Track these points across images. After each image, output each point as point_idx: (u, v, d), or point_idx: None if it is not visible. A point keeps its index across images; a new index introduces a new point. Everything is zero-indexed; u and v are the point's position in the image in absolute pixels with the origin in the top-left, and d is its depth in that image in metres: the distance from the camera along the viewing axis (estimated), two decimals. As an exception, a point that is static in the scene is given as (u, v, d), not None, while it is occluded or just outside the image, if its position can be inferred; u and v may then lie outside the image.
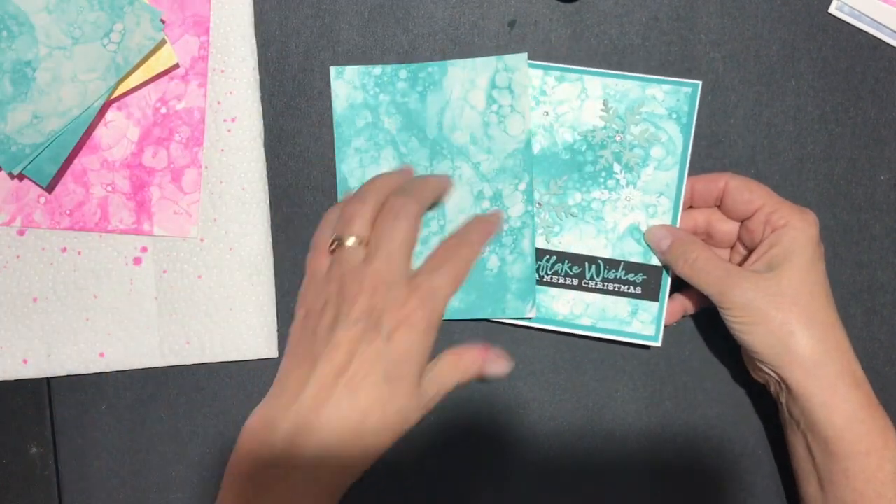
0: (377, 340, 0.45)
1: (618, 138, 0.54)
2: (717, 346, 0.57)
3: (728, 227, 0.54)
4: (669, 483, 0.58)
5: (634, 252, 0.54)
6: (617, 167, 0.54)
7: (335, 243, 0.48)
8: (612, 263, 0.54)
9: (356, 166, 0.55)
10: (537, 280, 0.55)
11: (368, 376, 0.44)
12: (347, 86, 0.55)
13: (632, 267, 0.54)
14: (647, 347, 0.57)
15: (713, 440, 0.58)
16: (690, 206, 0.55)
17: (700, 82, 0.54)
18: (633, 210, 0.54)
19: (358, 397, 0.44)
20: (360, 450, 0.44)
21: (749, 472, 0.58)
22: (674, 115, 0.54)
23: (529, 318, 0.55)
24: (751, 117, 0.57)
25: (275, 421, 0.44)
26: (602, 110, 0.54)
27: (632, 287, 0.54)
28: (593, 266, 0.55)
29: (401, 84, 0.55)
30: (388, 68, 0.55)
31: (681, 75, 0.57)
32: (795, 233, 0.50)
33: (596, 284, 0.55)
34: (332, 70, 0.55)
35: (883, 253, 0.58)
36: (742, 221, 0.53)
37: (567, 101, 0.55)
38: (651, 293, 0.54)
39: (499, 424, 0.58)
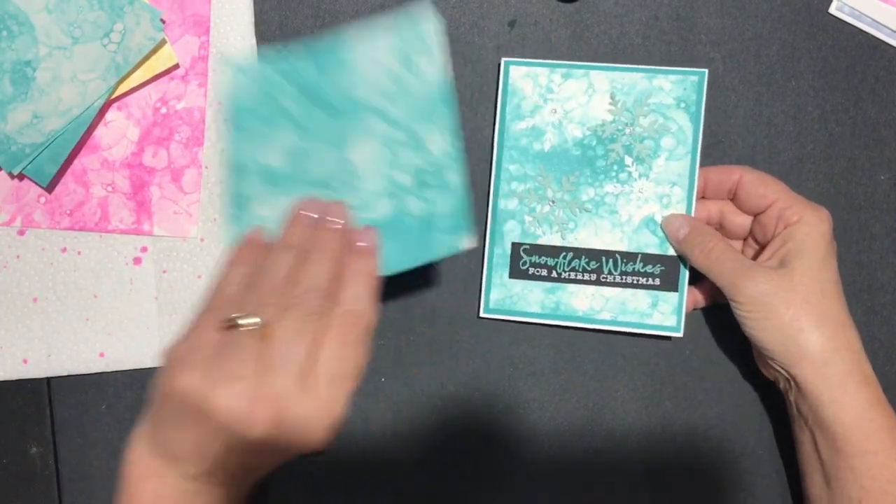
0: None
1: (627, 131, 0.54)
2: (717, 347, 0.57)
3: (741, 220, 0.54)
4: (669, 483, 0.58)
5: (651, 244, 0.54)
6: (628, 160, 0.54)
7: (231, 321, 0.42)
8: (629, 256, 0.54)
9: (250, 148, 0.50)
10: (556, 276, 0.55)
11: None
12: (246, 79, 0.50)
13: (649, 259, 0.54)
14: (668, 338, 0.57)
15: (713, 440, 0.58)
16: (703, 197, 0.55)
17: (706, 70, 0.54)
18: (647, 202, 0.54)
19: None
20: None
21: (749, 472, 0.58)
22: (682, 105, 0.54)
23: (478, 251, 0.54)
24: (751, 117, 0.57)
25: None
26: (610, 104, 0.54)
27: (650, 279, 0.54)
28: (610, 260, 0.55)
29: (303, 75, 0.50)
30: (288, 64, 0.50)
31: (681, 75, 0.57)
32: (808, 229, 0.50)
33: (614, 278, 0.55)
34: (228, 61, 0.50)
35: (883, 253, 0.58)
36: (755, 216, 0.53)
37: (574, 97, 0.55)
38: (670, 284, 0.54)
39: (499, 424, 0.58)
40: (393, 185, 0.51)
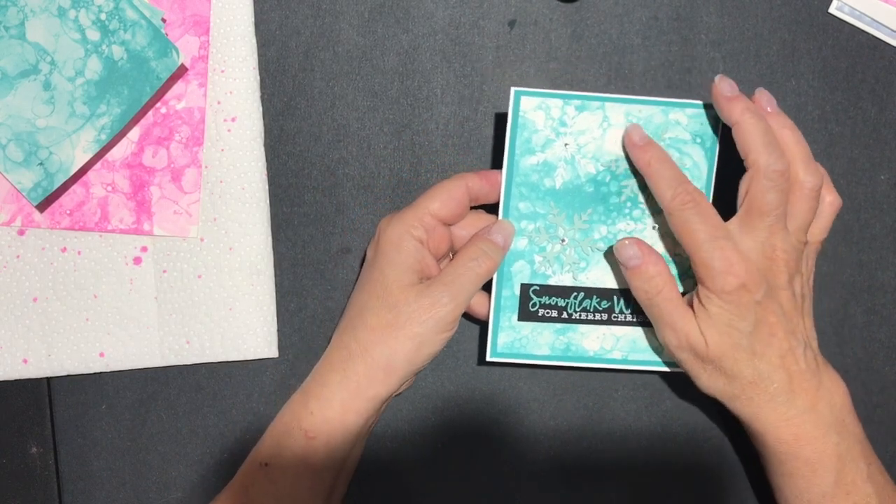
0: None
1: None
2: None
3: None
4: (669, 483, 0.58)
5: None
6: (641, 197, 0.53)
7: None
8: None
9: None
10: (566, 317, 0.53)
11: None
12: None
13: None
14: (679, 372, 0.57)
15: (713, 440, 0.58)
16: None
17: None
18: (659, 240, 0.53)
19: None
20: None
21: (749, 473, 0.58)
22: (698, 140, 0.52)
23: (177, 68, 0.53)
24: (751, 117, 0.57)
25: None
26: None
27: None
28: (622, 299, 0.53)
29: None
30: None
31: (681, 75, 0.57)
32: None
33: (626, 317, 0.53)
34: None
35: (883, 253, 0.58)
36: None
37: (588, 130, 0.52)
38: None
39: (499, 424, 0.58)
40: (87, 44, 0.51)
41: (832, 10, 0.57)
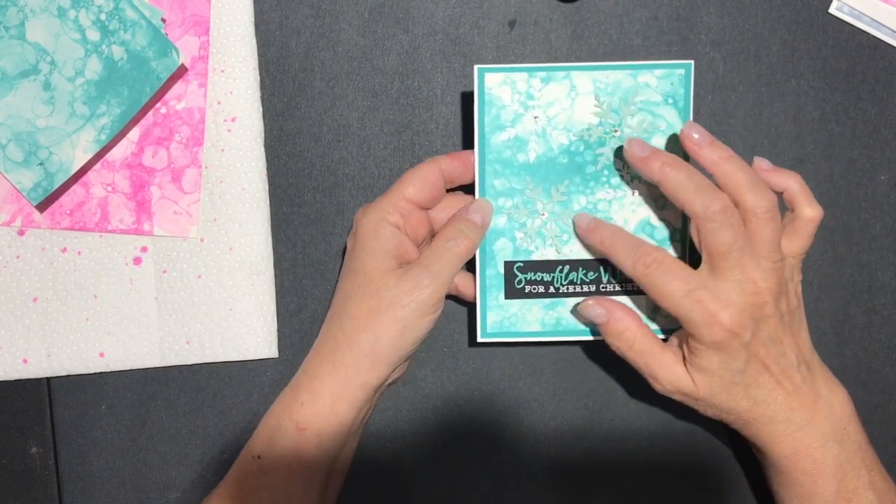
0: None
1: (616, 133, 0.52)
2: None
3: None
4: (669, 483, 0.58)
5: None
6: (619, 163, 0.52)
7: None
8: None
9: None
10: (553, 291, 0.53)
11: None
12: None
13: None
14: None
15: (713, 440, 0.58)
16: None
17: (692, 62, 0.51)
18: (642, 204, 0.53)
19: None
20: None
21: (749, 473, 0.58)
22: (670, 101, 0.52)
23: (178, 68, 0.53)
24: (751, 117, 0.57)
25: None
26: (595, 106, 0.52)
27: None
28: (608, 269, 0.53)
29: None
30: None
31: (681, 75, 0.57)
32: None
33: (614, 287, 0.53)
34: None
35: (883, 253, 0.58)
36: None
37: (557, 101, 0.52)
38: None
39: (499, 424, 0.58)
40: (87, 44, 0.51)
41: (832, 10, 0.57)
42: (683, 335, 0.49)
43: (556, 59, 0.57)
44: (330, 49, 0.57)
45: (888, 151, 0.57)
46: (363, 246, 0.51)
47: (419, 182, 0.51)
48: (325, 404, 0.51)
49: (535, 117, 0.52)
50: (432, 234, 0.54)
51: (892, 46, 0.57)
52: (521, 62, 0.57)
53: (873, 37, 0.57)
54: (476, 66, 0.51)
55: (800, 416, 0.49)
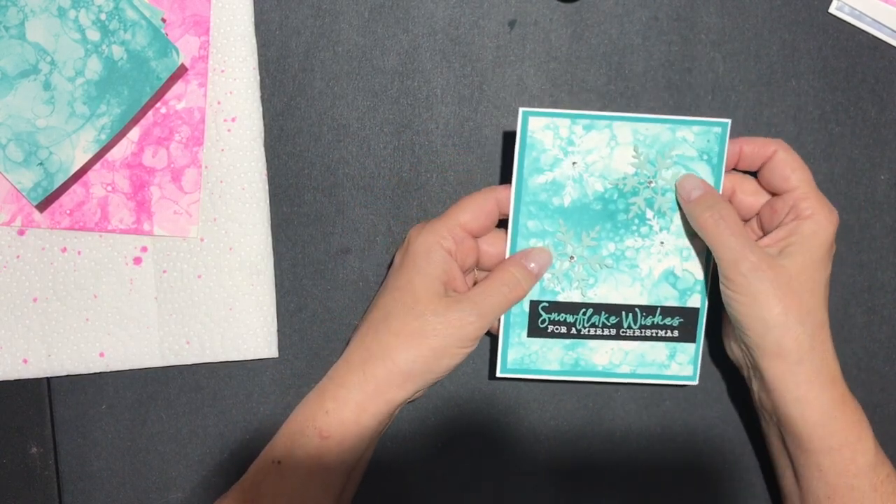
0: None
1: (650, 184, 0.53)
2: (717, 347, 0.57)
3: (751, 201, 0.53)
4: (669, 483, 0.58)
5: (670, 296, 0.54)
6: (649, 213, 0.53)
7: None
8: (648, 310, 0.54)
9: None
10: (575, 333, 0.54)
11: None
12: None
13: (668, 311, 0.54)
14: (684, 386, 0.58)
15: (713, 440, 0.58)
16: (734, 169, 0.54)
17: (729, 121, 0.52)
18: (668, 255, 0.53)
19: None
20: None
21: (749, 472, 0.58)
22: (704, 157, 0.52)
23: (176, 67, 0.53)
24: (751, 117, 0.57)
25: None
26: (633, 157, 0.52)
27: (669, 331, 0.54)
28: (630, 315, 0.54)
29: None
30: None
31: (681, 75, 0.57)
32: (816, 228, 0.50)
33: (634, 332, 0.54)
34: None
35: (883, 253, 0.58)
36: (772, 195, 0.52)
37: (596, 149, 0.52)
38: (688, 335, 0.54)
39: (499, 424, 0.58)
40: (87, 44, 0.51)
41: (832, 10, 0.57)
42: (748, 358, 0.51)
43: (556, 60, 0.57)
44: (330, 49, 0.57)
45: (888, 151, 0.57)
46: (414, 266, 0.51)
47: (476, 210, 0.52)
48: (350, 414, 0.51)
49: (574, 163, 0.52)
50: (477, 264, 0.54)
51: (892, 46, 0.57)
52: (521, 62, 0.57)
53: (873, 37, 0.57)
54: (521, 109, 0.51)
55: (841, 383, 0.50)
